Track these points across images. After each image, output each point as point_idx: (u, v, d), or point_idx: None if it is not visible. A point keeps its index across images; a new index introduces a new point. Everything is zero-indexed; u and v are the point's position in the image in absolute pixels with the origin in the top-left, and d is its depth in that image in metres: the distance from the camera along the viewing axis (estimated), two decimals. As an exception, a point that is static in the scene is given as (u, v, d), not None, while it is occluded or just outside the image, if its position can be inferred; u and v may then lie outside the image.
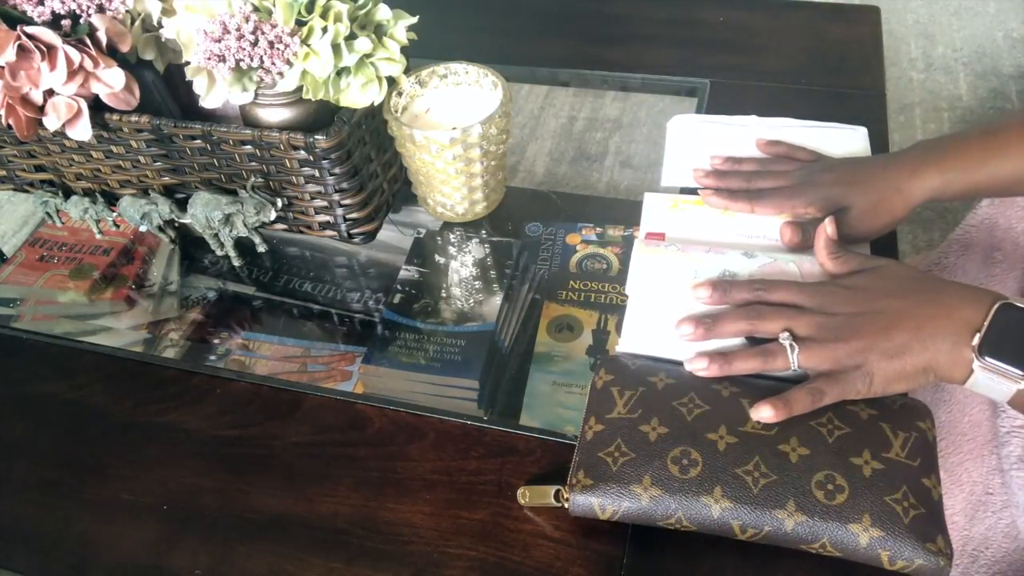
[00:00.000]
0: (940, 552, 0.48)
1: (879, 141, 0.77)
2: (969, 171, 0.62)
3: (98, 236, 0.79)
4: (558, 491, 0.54)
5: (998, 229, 0.79)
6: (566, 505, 0.53)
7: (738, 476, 0.51)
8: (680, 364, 0.59)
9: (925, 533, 0.48)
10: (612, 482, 0.52)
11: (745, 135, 0.77)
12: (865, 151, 0.76)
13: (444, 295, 0.70)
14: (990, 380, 0.50)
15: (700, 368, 0.56)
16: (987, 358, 0.50)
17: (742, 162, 0.73)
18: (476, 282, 0.71)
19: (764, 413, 0.53)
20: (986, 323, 0.50)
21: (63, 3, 0.63)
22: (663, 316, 0.61)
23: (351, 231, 0.72)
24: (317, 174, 0.67)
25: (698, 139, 0.78)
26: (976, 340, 0.50)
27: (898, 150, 0.67)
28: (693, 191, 0.71)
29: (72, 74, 0.63)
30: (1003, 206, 0.79)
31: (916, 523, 0.49)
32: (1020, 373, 0.49)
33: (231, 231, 0.72)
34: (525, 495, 0.55)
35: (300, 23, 0.63)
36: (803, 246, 0.64)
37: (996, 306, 0.51)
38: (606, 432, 0.54)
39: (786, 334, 0.55)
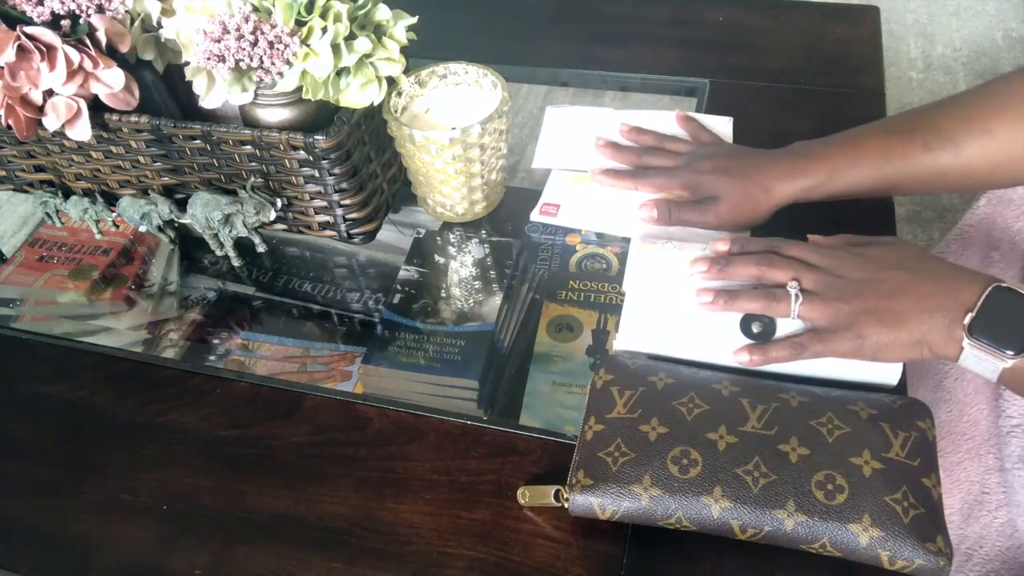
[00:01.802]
0: (940, 552, 0.48)
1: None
2: (831, 179, 0.65)
3: (98, 236, 0.79)
4: (558, 491, 0.54)
5: (995, 228, 0.79)
6: (566, 505, 0.53)
7: (738, 476, 0.51)
8: (680, 362, 0.59)
9: (925, 533, 0.49)
10: (612, 482, 0.52)
11: (612, 126, 0.80)
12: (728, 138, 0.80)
13: (444, 295, 0.70)
14: (978, 358, 0.52)
15: (706, 301, 0.59)
16: (976, 337, 0.52)
17: (642, 135, 0.77)
18: (476, 282, 0.71)
19: (742, 357, 0.57)
20: (979, 303, 0.52)
21: (63, 3, 0.63)
22: (660, 314, 0.61)
23: (351, 231, 0.72)
24: (317, 174, 0.67)
25: (570, 128, 0.82)
26: (967, 319, 0.52)
27: (777, 149, 0.69)
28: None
29: (72, 74, 0.63)
30: (1000, 205, 0.79)
31: (916, 523, 0.49)
32: (1005, 352, 0.51)
33: (231, 231, 0.72)
34: (525, 495, 0.55)
35: (300, 23, 0.63)
36: (661, 223, 0.69)
37: (990, 288, 0.52)
38: (606, 432, 0.54)
39: (794, 283, 0.57)
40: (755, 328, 0.58)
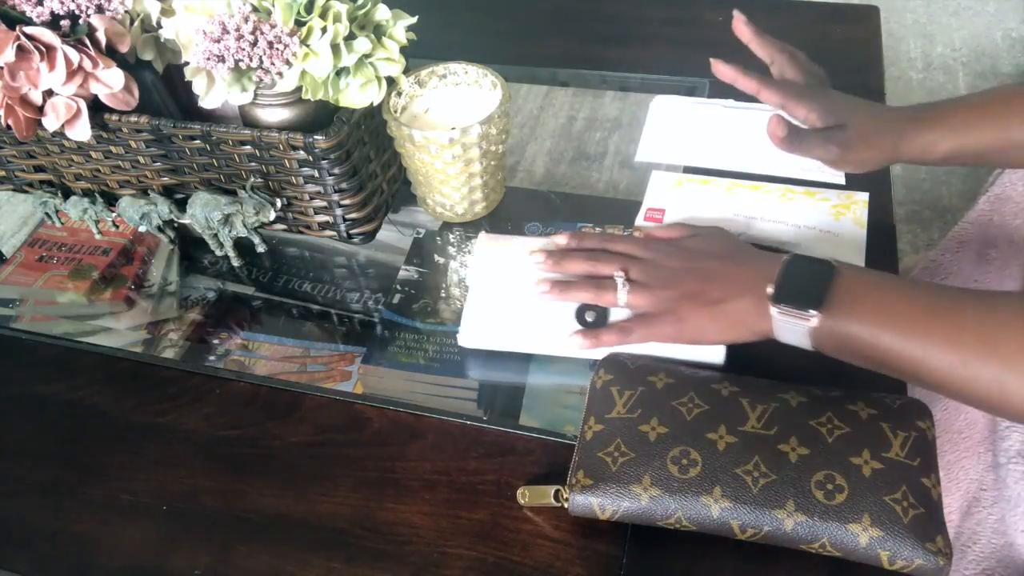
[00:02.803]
0: (940, 552, 0.48)
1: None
2: (962, 136, 0.65)
3: (97, 236, 0.79)
4: (558, 491, 0.54)
5: (992, 227, 0.79)
6: (566, 505, 0.53)
7: (737, 476, 0.51)
8: (521, 356, 0.63)
9: (925, 533, 0.49)
10: (612, 482, 0.52)
11: (724, 117, 0.79)
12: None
13: (443, 295, 0.70)
14: (787, 324, 0.54)
15: (543, 291, 0.63)
16: (779, 304, 0.54)
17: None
18: (475, 282, 0.71)
19: (575, 341, 0.61)
20: (777, 274, 0.55)
21: (62, 3, 0.63)
22: (501, 307, 0.64)
23: (350, 231, 0.72)
24: (316, 174, 0.67)
25: (677, 120, 0.81)
26: (769, 290, 0.55)
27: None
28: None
29: (71, 74, 0.63)
30: (999, 204, 0.79)
31: (916, 523, 0.49)
32: (807, 312, 0.53)
33: (230, 231, 0.72)
34: (525, 495, 0.55)
35: (299, 23, 0.63)
36: (784, 147, 0.67)
37: (785, 258, 0.56)
38: (605, 432, 0.54)
39: (621, 274, 0.61)
40: (588, 318, 0.62)
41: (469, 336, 0.64)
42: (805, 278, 0.55)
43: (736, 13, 0.73)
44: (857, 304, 0.53)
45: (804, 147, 0.67)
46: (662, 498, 0.51)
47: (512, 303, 0.64)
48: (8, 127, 0.65)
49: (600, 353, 0.61)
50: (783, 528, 0.50)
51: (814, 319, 0.53)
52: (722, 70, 0.69)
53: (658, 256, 0.62)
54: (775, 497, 0.50)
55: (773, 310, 0.54)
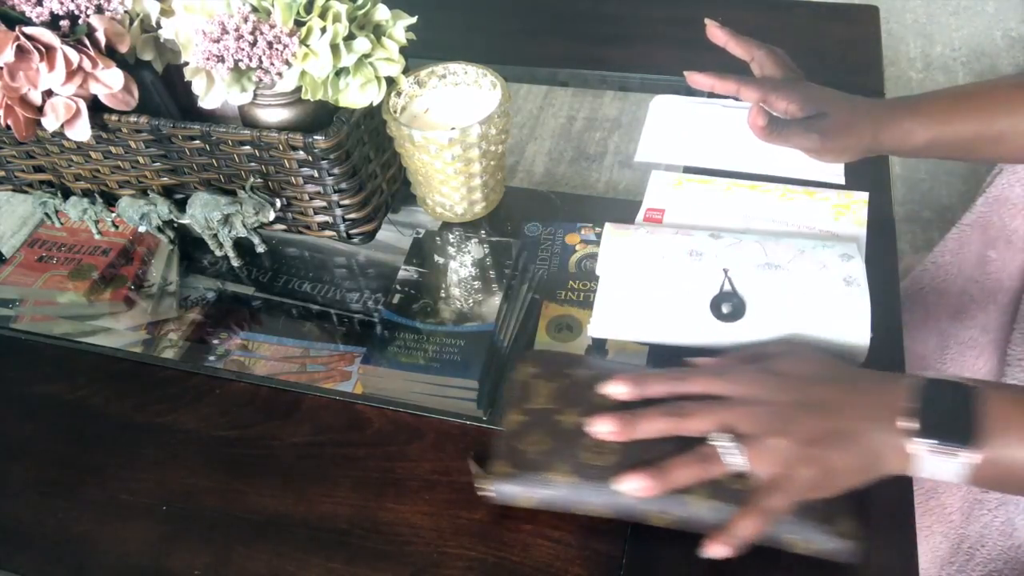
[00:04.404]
0: (849, 535, 0.49)
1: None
2: (941, 126, 0.64)
3: (97, 237, 0.79)
4: (480, 484, 0.55)
5: (992, 227, 0.79)
6: (488, 494, 0.54)
7: (651, 463, 0.51)
8: (654, 346, 0.61)
9: (833, 517, 0.49)
10: (531, 471, 0.53)
11: (723, 117, 0.80)
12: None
13: (443, 295, 0.70)
14: (937, 462, 0.47)
15: (635, 488, 0.49)
16: (925, 439, 0.47)
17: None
18: (475, 282, 0.71)
19: (717, 551, 0.48)
20: (916, 403, 0.48)
21: (62, 4, 0.63)
22: (633, 299, 0.63)
23: (350, 231, 0.72)
24: (316, 174, 0.67)
25: (677, 120, 0.81)
26: (908, 424, 0.47)
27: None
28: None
29: (71, 75, 0.63)
30: (997, 205, 0.79)
31: (825, 507, 0.50)
32: (959, 446, 0.46)
33: (230, 231, 0.72)
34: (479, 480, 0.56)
35: (299, 23, 0.63)
36: (764, 137, 0.67)
37: (920, 384, 0.48)
38: (526, 423, 0.56)
39: (726, 436, 0.49)
40: (725, 309, 0.60)
41: (601, 326, 0.63)
42: (947, 405, 0.47)
43: (708, 20, 0.74)
44: (1013, 427, 0.46)
45: (785, 137, 0.67)
46: (578, 486, 0.52)
47: (643, 293, 0.63)
48: (8, 127, 0.65)
49: (749, 530, 0.49)
50: (696, 513, 0.50)
51: (975, 455, 0.46)
52: (698, 80, 0.70)
53: (753, 390, 0.50)
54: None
55: (919, 447, 0.47)
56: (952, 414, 0.47)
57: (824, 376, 0.51)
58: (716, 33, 0.73)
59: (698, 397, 0.51)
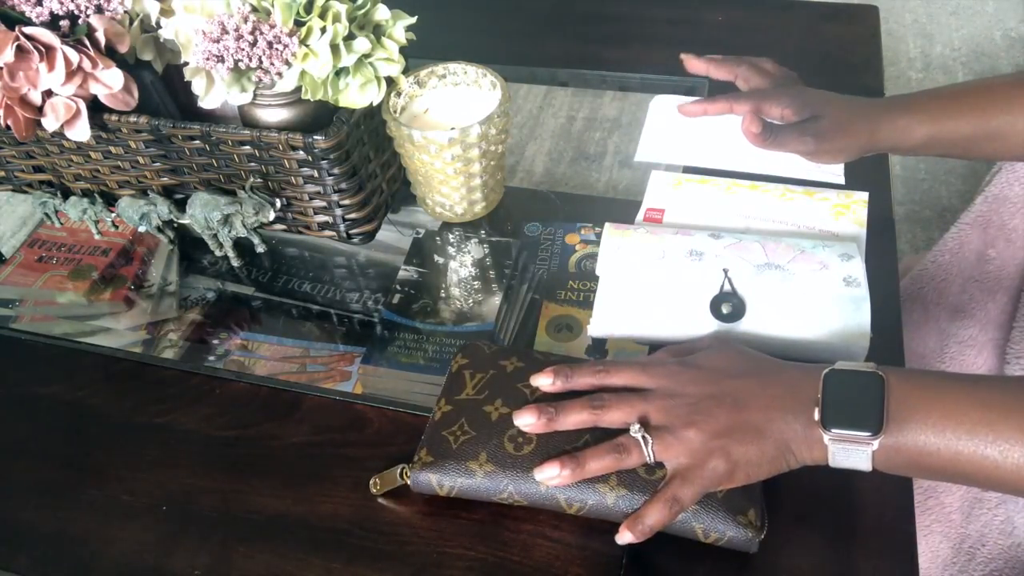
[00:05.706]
0: (750, 525, 0.50)
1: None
2: (936, 124, 0.65)
3: (97, 237, 0.79)
4: (402, 470, 0.56)
5: (991, 226, 0.79)
6: (407, 482, 0.55)
7: (567, 453, 0.52)
8: (654, 342, 0.62)
9: (737, 507, 0.50)
10: (451, 459, 0.54)
11: (723, 117, 0.79)
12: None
13: (443, 295, 0.70)
14: (846, 451, 0.48)
15: (552, 476, 0.51)
16: (834, 429, 0.47)
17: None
18: (475, 282, 0.71)
19: (626, 537, 0.50)
20: (821, 393, 0.48)
21: (61, 4, 0.63)
22: (632, 297, 0.64)
23: (350, 231, 0.72)
24: (316, 174, 0.67)
25: (677, 120, 0.81)
26: (817, 414, 0.48)
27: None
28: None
29: (71, 75, 0.63)
30: (996, 203, 0.79)
31: (729, 497, 0.51)
32: (867, 434, 0.47)
33: (230, 231, 0.72)
34: (376, 484, 0.57)
35: (299, 23, 0.63)
36: (759, 143, 0.67)
37: (824, 372, 0.49)
38: (453, 412, 0.56)
39: (636, 426, 0.51)
40: (725, 309, 0.61)
41: (600, 326, 0.64)
42: (853, 394, 0.48)
43: (683, 55, 0.76)
44: (918, 414, 0.47)
45: (780, 142, 0.68)
46: (495, 474, 0.53)
47: (643, 293, 0.64)
48: (8, 127, 0.65)
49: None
50: (606, 502, 0.52)
51: (876, 441, 0.46)
52: (694, 64, 0.71)
53: (670, 383, 0.52)
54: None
55: (826, 436, 0.48)
56: (855, 403, 0.47)
57: (741, 370, 0.52)
58: (695, 64, 0.74)
59: (621, 389, 0.53)
